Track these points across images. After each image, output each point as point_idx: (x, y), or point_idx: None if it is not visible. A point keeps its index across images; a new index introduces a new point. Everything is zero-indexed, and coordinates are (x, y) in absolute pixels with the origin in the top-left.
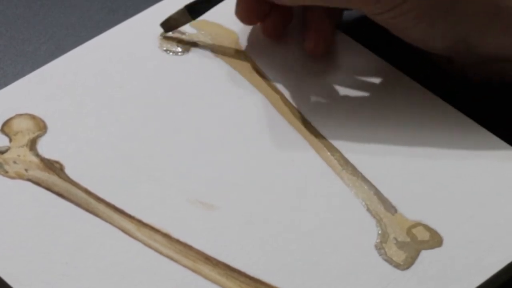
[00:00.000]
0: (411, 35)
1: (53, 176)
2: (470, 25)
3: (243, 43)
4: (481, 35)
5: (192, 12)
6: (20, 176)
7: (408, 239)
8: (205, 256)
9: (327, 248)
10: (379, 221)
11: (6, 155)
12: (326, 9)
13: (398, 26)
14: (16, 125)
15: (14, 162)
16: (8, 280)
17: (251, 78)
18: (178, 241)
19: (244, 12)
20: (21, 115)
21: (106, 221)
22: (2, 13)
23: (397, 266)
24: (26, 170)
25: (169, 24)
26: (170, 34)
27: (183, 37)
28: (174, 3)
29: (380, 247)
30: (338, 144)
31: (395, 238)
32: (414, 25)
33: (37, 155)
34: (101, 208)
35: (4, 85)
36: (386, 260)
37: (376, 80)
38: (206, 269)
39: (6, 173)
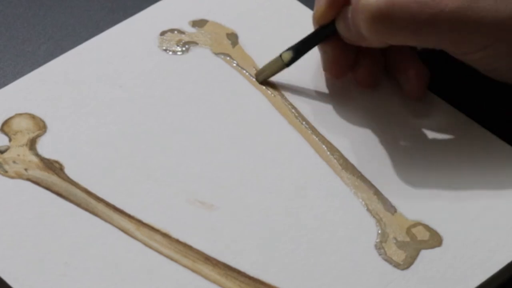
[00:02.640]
0: (501, 74)
1: (52, 175)
2: None
3: (243, 43)
4: None
5: (285, 60)
6: (19, 176)
7: (408, 239)
8: (204, 256)
9: (327, 248)
10: (378, 221)
11: (5, 155)
12: (413, 48)
13: (489, 65)
14: (16, 124)
15: (14, 162)
16: (8, 280)
17: (251, 78)
18: (177, 241)
19: (333, 66)
20: (21, 114)
21: (105, 221)
22: (2, 13)
23: (397, 265)
24: (25, 169)
25: (264, 74)
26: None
27: (183, 36)
28: (174, 3)
29: (380, 247)
30: (338, 144)
31: (395, 238)
32: (506, 63)
33: (37, 154)
34: (101, 208)
35: (4, 84)
36: (386, 260)
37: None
38: (206, 269)
39: (5, 173)
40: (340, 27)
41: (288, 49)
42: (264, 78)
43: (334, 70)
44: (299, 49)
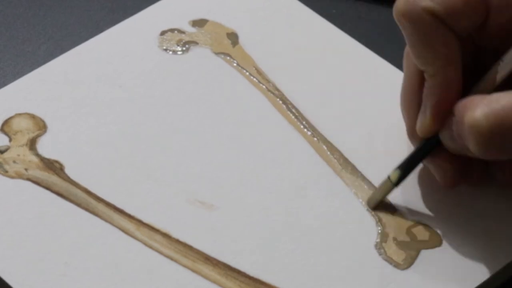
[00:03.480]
0: None
1: (52, 175)
2: None
3: (243, 43)
4: None
5: (393, 180)
6: (19, 176)
7: (408, 239)
8: (204, 256)
9: (327, 248)
10: (378, 220)
11: (5, 155)
12: None
13: None
14: (16, 124)
15: (14, 162)
16: (8, 280)
17: (251, 78)
18: (177, 241)
19: (450, 178)
20: (20, 114)
21: (105, 221)
22: (2, 13)
23: (397, 265)
24: (25, 169)
25: (375, 199)
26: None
27: (183, 36)
28: (174, 3)
29: (379, 247)
30: (338, 144)
31: (395, 238)
32: None
33: (37, 154)
34: (101, 208)
35: (3, 84)
36: (386, 260)
37: (378, 80)
38: (206, 269)
39: (5, 173)
40: (445, 138)
41: (396, 169)
42: (376, 203)
43: (456, 182)
44: (407, 168)
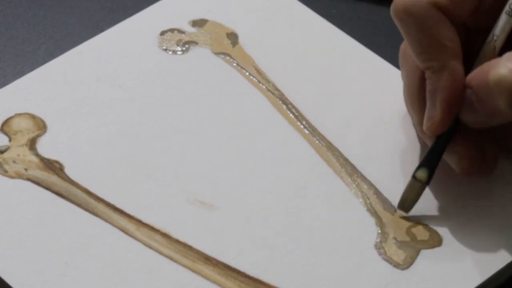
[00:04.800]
0: None
1: (52, 175)
2: None
3: (243, 43)
4: None
5: (423, 179)
6: (19, 176)
7: (408, 239)
8: (204, 256)
9: (327, 248)
10: (378, 220)
11: (5, 155)
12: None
13: None
14: (16, 124)
15: (14, 162)
16: (8, 280)
17: (251, 78)
18: (177, 241)
19: (470, 165)
20: (20, 114)
21: (105, 221)
22: (2, 13)
23: (396, 265)
24: (25, 169)
25: (407, 202)
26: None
27: (183, 36)
28: (174, 3)
29: (379, 247)
30: (338, 144)
31: (395, 238)
32: None
33: (37, 154)
34: (101, 208)
35: (3, 84)
36: (385, 260)
37: (377, 80)
38: (206, 269)
39: (5, 173)
40: (466, 116)
41: (420, 168)
42: (411, 206)
43: (473, 169)
44: (432, 163)
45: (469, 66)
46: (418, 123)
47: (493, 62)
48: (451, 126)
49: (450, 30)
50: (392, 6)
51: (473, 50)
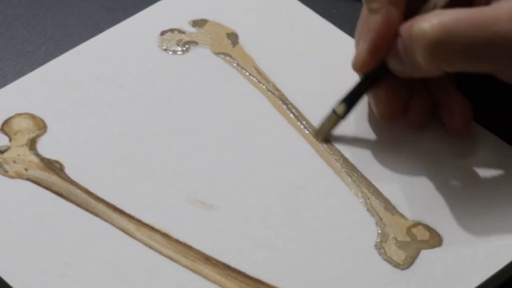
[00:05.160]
0: None
1: (53, 175)
2: None
3: (243, 43)
4: None
5: (340, 113)
6: (19, 176)
7: (408, 239)
8: (204, 256)
9: (327, 248)
10: (378, 220)
11: (5, 155)
12: (447, 77)
13: None
14: (16, 124)
15: (14, 162)
16: (8, 280)
17: (251, 78)
18: (177, 241)
19: (387, 111)
20: (21, 114)
21: (105, 221)
22: (2, 13)
23: (397, 265)
24: (25, 169)
25: (323, 133)
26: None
27: (183, 36)
28: (174, 3)
29: (380, 247)
30: (338, 144)
31: (395, 238)
32: None
33: (37, 154)
34: (101, 208)
35: (3, 84)
36: (386, 260)
37: None
38: (206, 269)
39: (5, 173)
40: (392, 63)
41: (340, 102)
42: (325, 136)
43: (389, 115)
44: (351, 100)
45: None
46: (356, 60)
47: (423, 16)
48: (378, 69)
49: None
50: None
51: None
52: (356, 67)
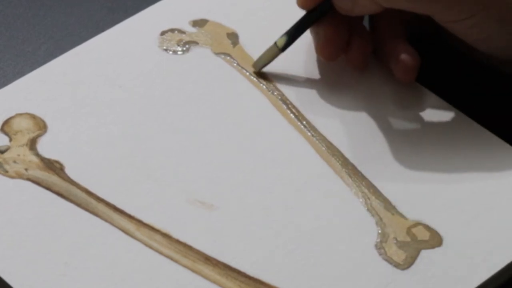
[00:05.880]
0: (490, 44)
1: (53, 175)
2: None
3: (243, 43)
4: None
5: (280, 45)
6: (20, 176)
7: (408, 239)
8: (204, 256)
9: (327, 248)
10: (379, 220)
11: (6, 155)
12: (397, 30)
13: (478, 34)
14: (16, 124)
15: (14, 162)
16: (8, 280)
17: (251, 78)
18: (177, 241)
19: (325, 47)
20: (21, 114)
21: (106, 221)
22: (2, 13)
23: (397, 265)
24: (26, 169)
25: (260, 63)
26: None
27: (183, 36)
28: (175, 3)
29: (380, 247)
30: (338, 144)
31: (395, 238)
32: (497, 33)
33: (37, 154)
34: (101, 208)
35: (3, 84)
36: (386, 260)
37: (377, 80)
38: (206, 269)
39: (6, 173)
40: None
41: (282, 35)
42: (261, 67)
43: (327, 52)
44: (293, 33)
45: None
46: None
47: None
48: (321, 5)
49: None
50: None
51: None
52: (300, 2)
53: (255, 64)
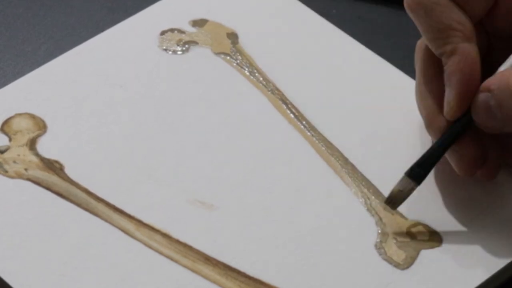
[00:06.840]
0: None
1: (52, 175)
2: None
3: (243, 43)
4: None
5: (414, 177)
6: (19, 176)
7: (408, 239)
8: (204, 256)
9: (327, 248)
10: (378, 220)
11: (5, 155)
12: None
13: None
14: (16, 124)
15: (14, 162)
16: (8, 280)
17: (251, 78)
18: (177, 241)
19: (470, 166)
20: (21, 114)
21: (105, 221)
22: (2, 13)
23: (397, 265)
24: (25, 169)
25: (395, 198)
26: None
27: (183, 36)
28: (174, 3)
29: (380, 247)
30: (338, 144)
31: (395, 238)
32: None
33: (37, 154)
34: (101, 208)
35: (3, 84)
36: (386, 260)
37: (377, 80)
38: (206, 269)
39: (5, 173)
40: (480, 117)
41: (414, 167)
42: (400, 204)
43: (471, 172)
44: (427, 165)
45: (490, 73)
46: (426, 118)
47: None
48: (456, 128)
49: (460, 15)
50: (404, 0)
51: (495, 59)
52: (450, 115)
53: (390, 202)
